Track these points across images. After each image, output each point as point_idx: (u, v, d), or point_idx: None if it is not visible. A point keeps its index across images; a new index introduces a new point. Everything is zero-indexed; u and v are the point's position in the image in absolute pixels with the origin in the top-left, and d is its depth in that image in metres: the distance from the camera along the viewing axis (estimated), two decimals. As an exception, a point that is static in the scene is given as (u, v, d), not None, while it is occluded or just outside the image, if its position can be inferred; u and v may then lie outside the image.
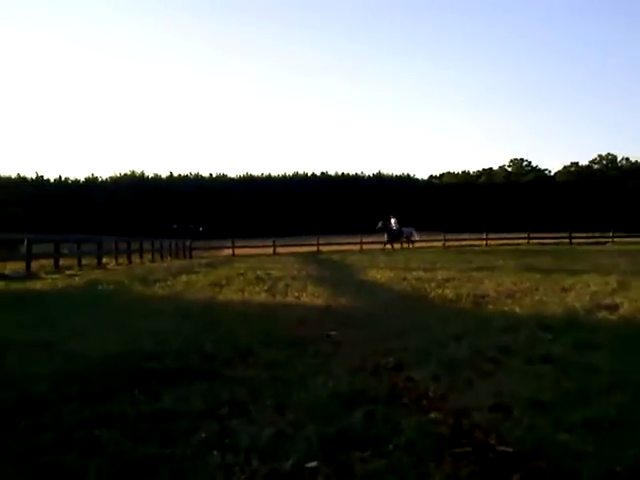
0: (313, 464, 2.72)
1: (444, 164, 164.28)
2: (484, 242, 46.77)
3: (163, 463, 2.76)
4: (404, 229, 46.47)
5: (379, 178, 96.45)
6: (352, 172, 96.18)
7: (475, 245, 44.14)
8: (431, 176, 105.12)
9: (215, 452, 2.87)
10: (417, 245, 45.89)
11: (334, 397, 3.74)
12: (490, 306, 8.54)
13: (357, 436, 3.07)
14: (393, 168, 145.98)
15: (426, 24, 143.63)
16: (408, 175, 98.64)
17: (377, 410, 3.46)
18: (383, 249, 42.42)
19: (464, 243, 45.70)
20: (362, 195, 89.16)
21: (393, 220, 46.47)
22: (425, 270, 16.30)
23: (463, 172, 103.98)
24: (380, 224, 45.62)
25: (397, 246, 44.58)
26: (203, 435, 3.11)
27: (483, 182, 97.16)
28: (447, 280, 12.77)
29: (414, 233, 46.92)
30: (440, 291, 10.57)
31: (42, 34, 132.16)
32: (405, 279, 13.61)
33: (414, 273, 15.10)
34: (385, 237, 45.31)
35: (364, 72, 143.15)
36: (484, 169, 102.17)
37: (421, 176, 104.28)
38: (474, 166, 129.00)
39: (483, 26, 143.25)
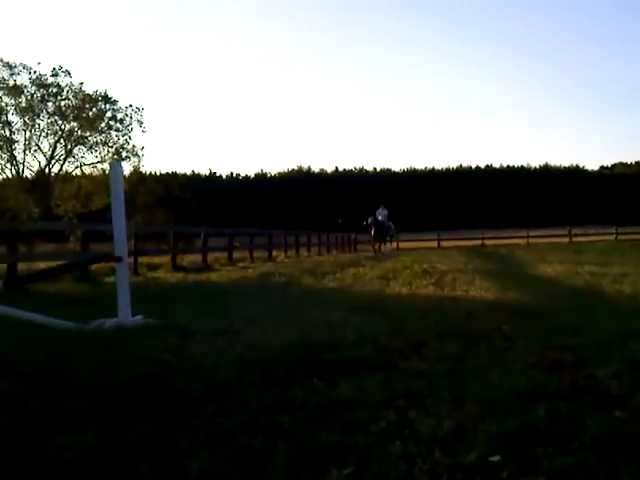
0: (496, 458, 2.69)
1: (616, 154, 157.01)
2: (662, 235, 44.29)
3: (346, 450, 2.82)
4: (390, 224, 39.03)
5: (546, 170, 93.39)
6: (517, 164, 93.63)
7: (652, 239, 41.88)
8: (602, 167, 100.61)
9: (397, 442, 2.90)
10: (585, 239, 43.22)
11: (513, 392, 3.67)
12: (673, 303, 8.10)
13: (540, 432, 3.01)
14: (561, 159, 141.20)
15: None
16: (577, 166, 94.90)
17: (559, 406, 3.38)
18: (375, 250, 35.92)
19: (640, 237, 43.48)
20: (528, 188, 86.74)
21: (381, 212, 38.26)
22: (597, 265, 15.66)
23: (637, 162, 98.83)
24: (370, 219, 37.07)
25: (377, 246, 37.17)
26: (383, 424, 3.15)
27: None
28: (623, 275, 12.20)
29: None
30: (617, 286, 10.11)
31: (216, 37, 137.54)
32: (577, 273, 13.14)
33: (586, 267, 14.55)
34: (372, 234, 37.21)
35: (526, 60, 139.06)
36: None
37: (591, 167, 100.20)
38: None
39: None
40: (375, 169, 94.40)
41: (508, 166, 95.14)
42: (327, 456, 2.76)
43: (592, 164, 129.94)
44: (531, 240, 44.19)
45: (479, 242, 44.64)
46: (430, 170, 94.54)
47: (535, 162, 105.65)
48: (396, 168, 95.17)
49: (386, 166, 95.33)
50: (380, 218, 37.53)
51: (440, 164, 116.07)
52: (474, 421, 3.19)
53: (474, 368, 4.41)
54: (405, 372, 4.33)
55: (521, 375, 4.12)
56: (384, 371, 4.34)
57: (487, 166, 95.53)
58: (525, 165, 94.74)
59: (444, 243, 44.40)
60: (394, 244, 44.65)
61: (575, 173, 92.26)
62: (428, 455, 2.75)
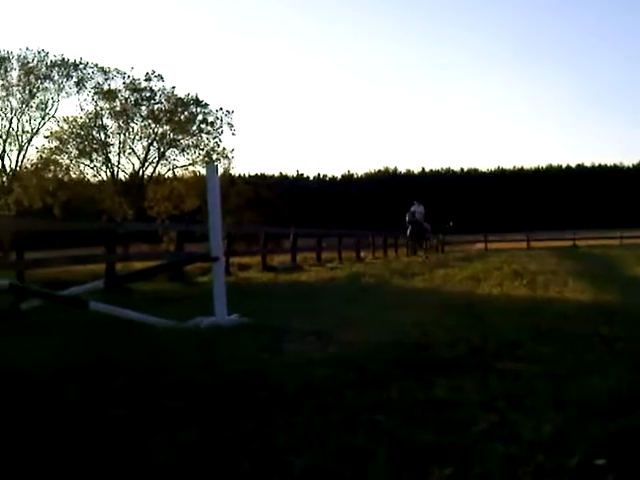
0: (601, 462, 2.65)
1: None
2: None
3: (447, 450, 2.82)
4: (428, 226, 33.94)
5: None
6: (610, 163, 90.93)
7: None
8: None
9: (497, 443, 2.88)
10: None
11: (614, 394, 3.59)
12: None
13: (644, 436, 2.95)
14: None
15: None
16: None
17: (663, 411, 3.30)
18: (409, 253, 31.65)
19: None
20: (622, 187, 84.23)
21: (417, 209, 32.99)
22: (698, 266, 15.14)
23: None
24: (408, 217, 32.39)
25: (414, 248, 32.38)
26: (484, 425, 3.13)
27: None
28: None
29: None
30: None
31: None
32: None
33: (688, 268, 14.09)
34: (407, 234, 32.20)
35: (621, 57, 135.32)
36: None
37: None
38: None
39: None
40: (462, 169, 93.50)
41: (600, 165, 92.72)
42: (428, 455, 2.76)
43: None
44: (625, 241, 42.92)
45: (570, 242, 43.66)
46: (519, 169, 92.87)
47: (629, 161, 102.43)
48: (483, 168, 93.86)
49: (474, 166, 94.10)
50: (417, 216, 32.49)
51: (529, 163, 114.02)
52: (575, 423, 3.14)
53: (572, 370, 4.33)
54: (500, 373, 4.29)
55: (621, 378, 4.02)
56: (479, 371, 4.31)
57: (578, 165, 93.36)
58: (618, 164, 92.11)
59: (533, 244, 43.61)
60: (481, 245, 44.10)
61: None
62: (530, 457, 2.72)
